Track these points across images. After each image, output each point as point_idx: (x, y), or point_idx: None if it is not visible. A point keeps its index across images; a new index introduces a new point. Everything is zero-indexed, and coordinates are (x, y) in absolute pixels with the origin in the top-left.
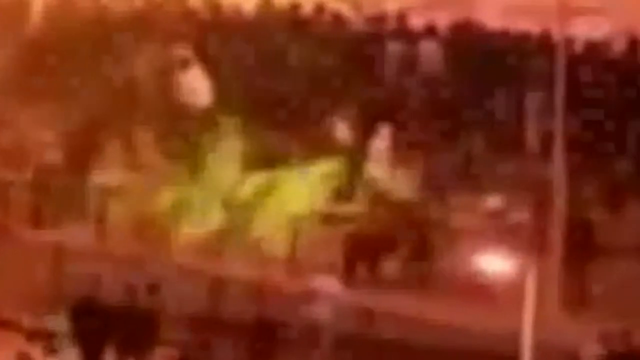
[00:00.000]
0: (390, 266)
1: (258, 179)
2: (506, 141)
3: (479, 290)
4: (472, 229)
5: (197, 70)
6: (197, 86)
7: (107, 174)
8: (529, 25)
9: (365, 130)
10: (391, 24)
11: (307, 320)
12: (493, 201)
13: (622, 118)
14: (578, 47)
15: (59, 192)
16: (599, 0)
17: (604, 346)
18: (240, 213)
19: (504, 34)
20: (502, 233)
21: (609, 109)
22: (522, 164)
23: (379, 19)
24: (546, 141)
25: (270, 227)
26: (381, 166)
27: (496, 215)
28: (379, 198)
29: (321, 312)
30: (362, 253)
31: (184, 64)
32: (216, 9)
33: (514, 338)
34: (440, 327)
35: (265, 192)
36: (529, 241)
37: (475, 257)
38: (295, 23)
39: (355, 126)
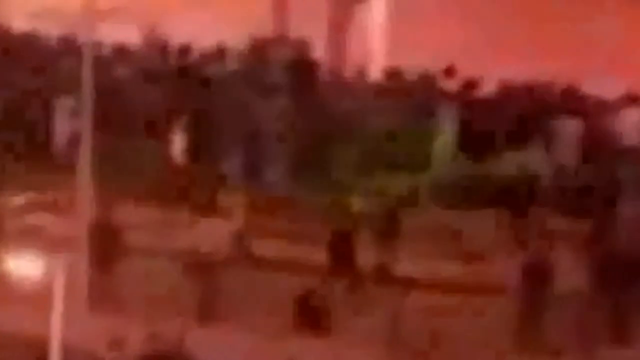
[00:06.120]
0: None
1: None
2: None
3: (11, 292)
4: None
5: None
6: None
7: None
8: (57, 28)
9: None
10: None
11: None
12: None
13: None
14: (106, 51)
15: None
16: (124, 3)
17: (129, 348)
18: None
19: (31, 37)
20: (30, 233)
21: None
22: (51, 165)
23: None
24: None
25: None
26: None
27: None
28: None
29: None
30: None
31: None
32: None
33: (45, 340)
34: None
35: None
36: (57, 242)
37: (9, 258)
38: None
39: None
